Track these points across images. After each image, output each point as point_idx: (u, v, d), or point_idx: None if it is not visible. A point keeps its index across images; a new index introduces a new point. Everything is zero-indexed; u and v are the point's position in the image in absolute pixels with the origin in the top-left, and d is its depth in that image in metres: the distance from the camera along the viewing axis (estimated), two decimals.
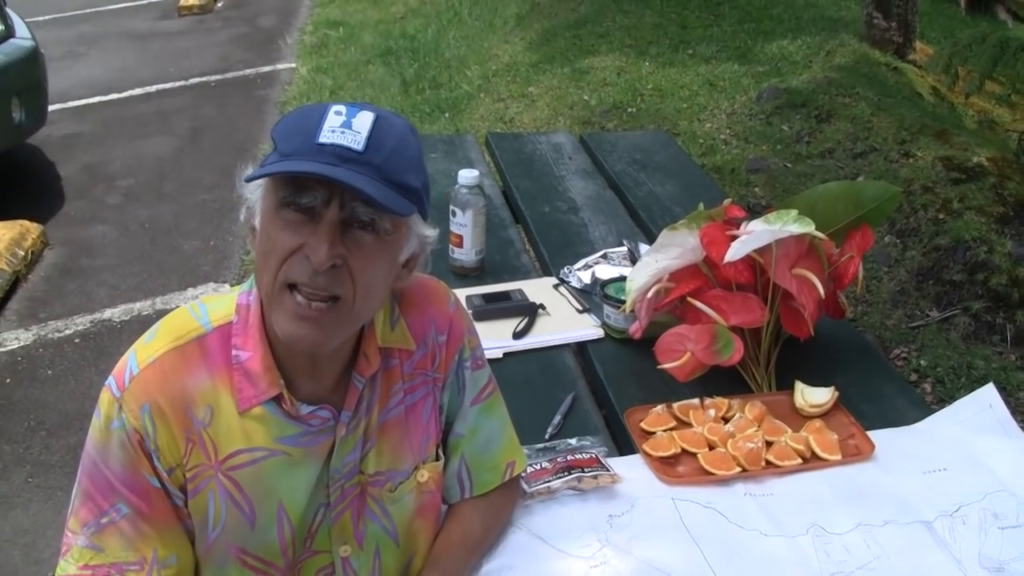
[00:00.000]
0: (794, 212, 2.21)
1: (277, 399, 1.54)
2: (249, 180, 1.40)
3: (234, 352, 1.54)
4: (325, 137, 1.37)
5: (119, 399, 1.49)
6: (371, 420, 1.65)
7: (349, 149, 1.37)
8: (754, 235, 2.19)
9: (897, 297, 4.91)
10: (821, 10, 9.41)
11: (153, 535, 1.53)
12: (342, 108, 1.40)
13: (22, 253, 5.35)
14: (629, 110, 7.21)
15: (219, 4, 12.00)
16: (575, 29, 9.12)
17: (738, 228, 2.27)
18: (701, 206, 2.40)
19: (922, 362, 4.44)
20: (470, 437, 1.80)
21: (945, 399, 4.14)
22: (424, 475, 1.73)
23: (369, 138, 1.38)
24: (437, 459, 1.77)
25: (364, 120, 1.39)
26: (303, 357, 1.54)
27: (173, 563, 1.56)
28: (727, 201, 2.49)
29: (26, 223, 5.65)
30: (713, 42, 8.41)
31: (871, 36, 8.24)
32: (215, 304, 1.58)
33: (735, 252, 2.18)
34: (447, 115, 7.55)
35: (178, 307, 1.61)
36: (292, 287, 1.42)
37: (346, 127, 1.38)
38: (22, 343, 4.72)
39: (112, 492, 1.51)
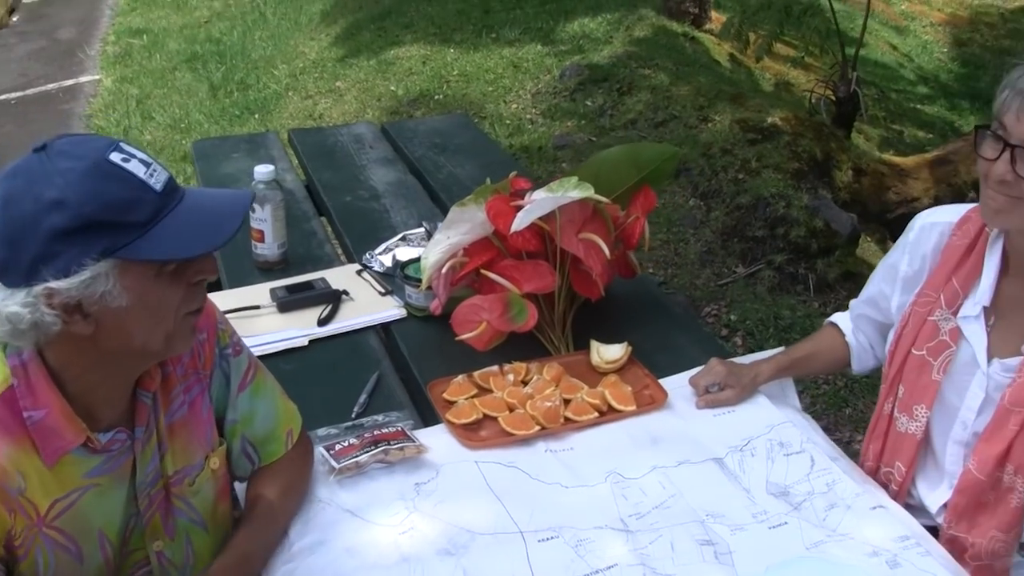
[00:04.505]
0: (574, 179, 2.30)
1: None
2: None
3: (26, 414, 1.50)
4: (154, 181, 1.42)
5: None
6: (160, 427, 1.68)
7: (170, 179, 1.46)
8: (536, 203, 2.27)
9: (705, 257, 5.10)
10: None
11: None
12: (115, 155, 1.40)
13: None
14: (436, 97, 7.29)
15: (14, 19, 11.61)
16: (379, 21, 9.17)
17: (523, 199, 2.35)
18: (488, 181, 2.48)
19: (732, 317, 4.62)
20: (246, 422, 1.86)
21: (755, 349, 4.31)
22: (216, 462, 1.79)
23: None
24: (221, 444, 1.83)
25: (139, 153, 1.44)
26: (104, 388, 1.56)
27: None
28: (512, 174, 2.57)
29: None
30: (516, 25, 8.54)
31: (668, 8, 8.48)
32: None
33: (520, 222, 2.26)
34: (256, 116, 7.51)
35: None
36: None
37: (143, 162, 1.43)
38: None
39: None
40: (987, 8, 13.14)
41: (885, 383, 2.16)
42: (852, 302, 2.35)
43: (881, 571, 1.81)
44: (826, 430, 2.38)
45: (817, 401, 4.29)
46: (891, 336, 2.16)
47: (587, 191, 2.28)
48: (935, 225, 2.10)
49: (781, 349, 2.39)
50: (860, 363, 2.34)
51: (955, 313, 2.02)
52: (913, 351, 2.08)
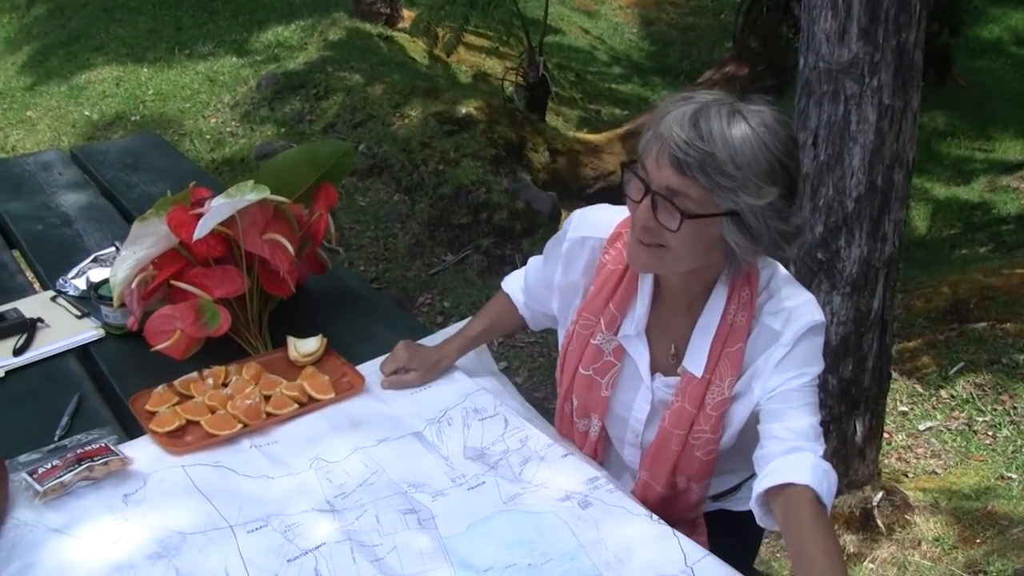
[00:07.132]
0: (251, 183, 2.36)
1: None
2: None
3: None
4: None
5: None
6: None
7: None
8: (214, 210, 2.32)
9: (414, 249, 5.23)
10: None
11: None
12: None
13: None
14: (133, 118, 7.18)
15: None
16: (68, 45, 8.90)
17: (203, 207, 2.40)
18: (168, 193, 2.51)
19: (446, 303, 4.76)
20: None
21: None
22: None
23: None
24: None
25: None
26: None
27: None
28: (192, 184, 2.61)
29: None
30: (209, 39, 8.47)
31: (359, 11, 8.58)
32: None
33: (201, 229, 2.31)
34: None
35: None
36: None
37: None
38: None
39: None
40: None
41: (561, 388, 2.22)
42: (521, 286, 2.40)
43: (573, 512, 1.95)
44: (544, 400, 2.52)
45: (535, 374, 4.48)
46: (561, 342, 2.21)
47: (264, 193, 2.35)
48: (586, 240, 2.09)
49: (464, 323, 2.49)
50: (537, 326, 2.43)
51: (615, 333, 2.06)
52: (580, 371, 2.13)
